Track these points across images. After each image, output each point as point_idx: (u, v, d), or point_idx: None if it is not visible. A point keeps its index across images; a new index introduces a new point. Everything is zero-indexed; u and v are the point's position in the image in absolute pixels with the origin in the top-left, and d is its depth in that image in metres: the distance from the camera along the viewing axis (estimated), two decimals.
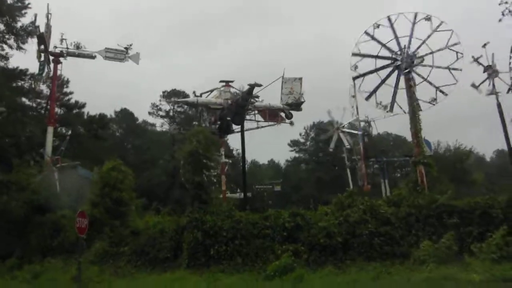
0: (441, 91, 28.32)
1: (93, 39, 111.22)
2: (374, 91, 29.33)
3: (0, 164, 28.10)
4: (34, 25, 31.14)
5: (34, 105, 40.66)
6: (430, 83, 28.54)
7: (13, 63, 34.40)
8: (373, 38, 29.26)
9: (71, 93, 45.47)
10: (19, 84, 36.93)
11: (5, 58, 32.71)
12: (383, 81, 29.20)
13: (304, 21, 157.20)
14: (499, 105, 36.58)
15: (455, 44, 28.25)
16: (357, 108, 47.60)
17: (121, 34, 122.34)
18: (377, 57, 29.37)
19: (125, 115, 67.65)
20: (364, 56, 29.41)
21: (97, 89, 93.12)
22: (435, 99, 28.37)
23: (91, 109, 48.09)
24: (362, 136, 49.68)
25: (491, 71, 37.67)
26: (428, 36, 28.65)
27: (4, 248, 21.49)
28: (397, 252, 17.66)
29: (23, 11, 32.76)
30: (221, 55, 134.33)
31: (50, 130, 31.25)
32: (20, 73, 36.22)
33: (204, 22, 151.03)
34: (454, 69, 28.21)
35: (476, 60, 37.28)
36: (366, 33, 29.27)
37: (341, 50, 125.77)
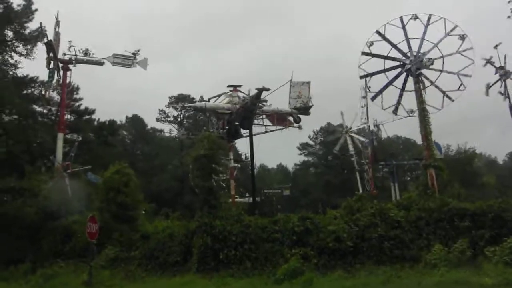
0: (448, 97, 28.09)
1: (102, 43, 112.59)
2: (380, 91, 29.23)
3: (13, 170, 28.49)
4: (42, 31, 31.35)
5: (45, 111, 41.13)
6: (438, 88, 28.34)
7: (23, 70, 34.76)
8: (384, 38, 29.12)
9: (81, 99, 45.87)
10: (29, 91, 37.34)
11: (15, 66, 32.87)
12: (390, 82, 29.06)
13: (311, 22, 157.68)
14: (511, 107, 36.22)
15: (467, 49, 27.87)
16: (367, 110, 47.48)
17: (130, 38, 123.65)
18: (386, 57, 29.24)
19: (135, 121, 68.38)
20: (373, 55, 29.27)
21: (107, 95, 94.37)
22: (441, 105, 28.19)
23: (102, 115, 48.80)
24: (371, 140, 49.48)
25: (503, 72, 37.33)
26: (440, 40, 28.45)
27: (16, 254, 21.84)
28: (407, 256, 17.66)
29: (30, 17, 32.92)
30: (230, 58, 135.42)
31: (60, 136, 31.52)
32: (30, 81, 36.64)
33: (212, 25, 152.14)
34: (463, 75, 27.88)
35: (488, 61, 36.94)
36: (378, 32, 29.13)
37: (350, 52, 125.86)
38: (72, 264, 20.88)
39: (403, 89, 28.76)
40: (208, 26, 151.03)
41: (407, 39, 28.87)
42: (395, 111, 28.98)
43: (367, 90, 29.91)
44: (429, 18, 28.71)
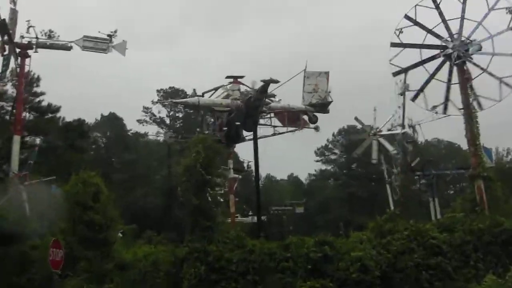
0: (506, 84, 27.91)
1: (77, 26, 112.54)
2: (422, 89, 28.99)
3: None
4: None
5: None
6: (492, 75, 28.15)
7: None
8: (416, 23, 29.03)
9: (42, 93, 45.80)
10: None
11: None
12: (432, 76, 28.84)
13: (335, 5, 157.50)
14: None
15: None
16: (403, 110, 47.14)
17: (113, 21, 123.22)
18: (422, 46, 29.11)
19: (112, 121, 68.05)
20: (405, 46, 29.21)
21: (83, 90, 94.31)
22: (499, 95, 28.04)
23: (71, 114, 48.61)
24: (402, 145, 49.13)
25: None
26: (485, 16, 28.30)
27: None
28: None
29: None
30: (233, 45, 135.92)
31: (16, 139, 31.48)
32: None
33: (211, 7, 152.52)
34: None
35: None
36: (407, 17, 29.08)
37: (377, 40, 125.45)
38: None
39: (449, 81, 28.59)
40: (206, 8, 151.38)
41: (444, 20, 28.60)
42: (444, 111, 28.83)
43: (399, 88, 29.86)
44: None
